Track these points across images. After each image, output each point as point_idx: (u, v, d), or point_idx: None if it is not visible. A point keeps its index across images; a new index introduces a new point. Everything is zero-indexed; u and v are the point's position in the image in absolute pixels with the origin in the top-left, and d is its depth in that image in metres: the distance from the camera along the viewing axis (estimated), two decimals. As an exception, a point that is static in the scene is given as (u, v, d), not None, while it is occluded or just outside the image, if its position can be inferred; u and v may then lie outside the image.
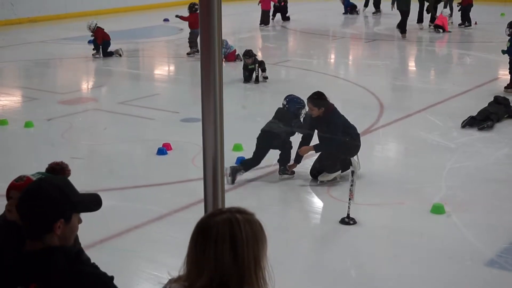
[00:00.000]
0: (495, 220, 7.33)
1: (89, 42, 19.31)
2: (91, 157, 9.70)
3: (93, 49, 17.32)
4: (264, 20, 23.09)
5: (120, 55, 17.35)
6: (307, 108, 8.63)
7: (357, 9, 26.30)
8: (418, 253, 6.58)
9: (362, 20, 25.45)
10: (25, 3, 23.67)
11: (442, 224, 7.22)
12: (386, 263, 6.44)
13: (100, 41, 17.22)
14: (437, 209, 7.42)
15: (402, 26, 20.23)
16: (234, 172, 8.47)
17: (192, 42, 17.40)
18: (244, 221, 2.42)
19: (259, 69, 14.16)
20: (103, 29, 17.41)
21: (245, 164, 8.58)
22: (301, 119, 8.74)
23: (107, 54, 17.27)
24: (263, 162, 8.68)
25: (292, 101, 8.85)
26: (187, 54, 17.45)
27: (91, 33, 17.46)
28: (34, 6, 23.84)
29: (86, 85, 15.31)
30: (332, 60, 18.74)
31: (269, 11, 23.10)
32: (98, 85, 15.14)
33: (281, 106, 8.85)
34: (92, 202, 2.91)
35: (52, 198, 2.72)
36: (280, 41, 21.88)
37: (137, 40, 20.69)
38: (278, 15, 24.49)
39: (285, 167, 8.62)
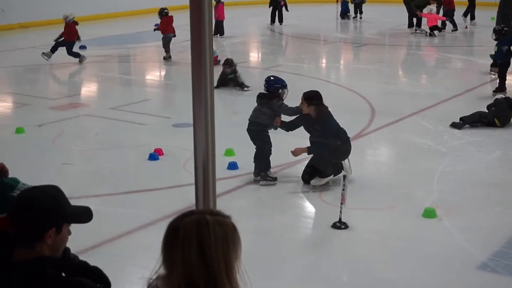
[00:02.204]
0: (486, 224, 7.35)
1: (80, 47, 19.28)
2: (83, 163, 9.67)
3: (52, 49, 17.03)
4: (219, 31, 21.89)
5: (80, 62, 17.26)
6: (287, 90, 8.69)
7: (348, 15, 26.38)
8: (410, 257, 6.59)
9: (353, 25, 25.52)
10: (16, 9, 23.61)
11: (433, 228, 7.23)
12: (378, 268, 6.45)
13: (67, 37, 16.93)
14: (429, 213, 7.43)
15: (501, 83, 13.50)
16: (265, 177, 8.52)
17: (166, 47, 17.50)
18: (214, 223, 2.39)
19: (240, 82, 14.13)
20: (76, 25, 17.22)
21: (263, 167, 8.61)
22: (283, 100, 8.70)
23: (73, 54, 17.05)
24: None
25: (270, 81, 8.82)
26: (164, 58, 17.56)
27: (65, 24, 17.15)
28: (25, 12, 23.77)
29: (77, 91, 15.27)
30: (323, 65, 18.77)
31: (223, 21, 21.98)
32: (89, 90, 15.12)
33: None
34: (83, 214, 2.91)
35: (45, 207, 2.72)
36: (271, 46, 21.91)
37: (128, 46, 20.68)
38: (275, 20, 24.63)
39: (266, 173, 8.60)
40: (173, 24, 17.62)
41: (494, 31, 13.38)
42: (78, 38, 17.22)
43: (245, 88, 13.96)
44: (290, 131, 8.84)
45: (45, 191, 2.80)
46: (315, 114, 8.37)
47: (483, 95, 12.71)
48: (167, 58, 17.47)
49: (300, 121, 8.60)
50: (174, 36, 17.55)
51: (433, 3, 21.69)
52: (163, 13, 17.57)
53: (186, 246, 2.35)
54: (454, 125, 10.82)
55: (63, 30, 17.14)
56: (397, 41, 21.51)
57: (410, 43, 21.08)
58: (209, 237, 2.35)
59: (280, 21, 24.53)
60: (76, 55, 17.07)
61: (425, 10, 21.81)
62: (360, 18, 25.88)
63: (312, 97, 8.40)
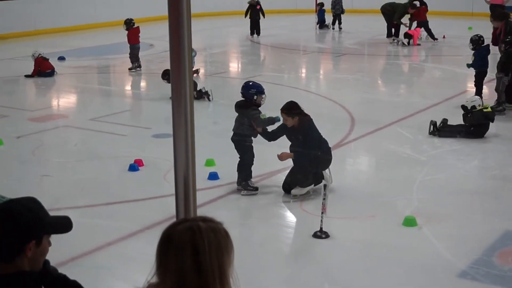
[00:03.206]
0: (466, 232, 7.39)
1: (59, 58, 19.22)
2: (62, 174, 9.61)
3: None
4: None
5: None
6: (265, 96, 8.63)
7: (326, 24, 26.39)
8: (391, 266, 6.61)
9: (332, 35, 25.61)
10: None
11: (414, 237, 7.26)
12: (359, 277, 6.46)
13: (35, 73, 16.72)
14: (409, 222, 7.46)
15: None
16: (245, 186, 8.51)
17: (132, 57, 17.60)
18: (208, 229, 2.40)
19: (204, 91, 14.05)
20: (47, 60, 17.05)
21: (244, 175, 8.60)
22: (261, 106, 8.64)
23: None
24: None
25: (246, 87, 8.73)
26: (129, 69, 17.63)
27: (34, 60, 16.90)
28: (3, 23, 23.63)
29: (56, 102, 15.21)
30: (303, 75, 18.82)
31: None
32: (68, 101, 15.05)
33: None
34: (63, 225, 2.87)
35: (23, 220, 2.69)
36: (251, 56, 21.94)
37: (107, 56, 20.61)
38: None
39: (247, 183, 8.59)
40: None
41: (471, 41, 13.50)
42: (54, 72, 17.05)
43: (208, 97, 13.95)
44: (272, 141, 8.83)
45: (22, 204, 2.77)
46: (297, 124, 8.37)
47: (461, 104, 12.78)
48: (134, 68, 17.61)
49: (282, 130, 8.60)
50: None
51: (412, 11, 21.85)
52: (131, 24, 17.69)
53: (180, 253, 2.36)
54: (433, 125, 10.93)
55: (36, 66, 16.84)
56: (376, 51, 21.62)
57: (389, 52, 21.19)
58: (203, 244, 2.36)
59: (258, 32, 24.39)
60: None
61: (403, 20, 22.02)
62: (340, 28, 25.83)
63: (292, 108, 8.40)
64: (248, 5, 24.49)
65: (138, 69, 17.59)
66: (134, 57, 17.58)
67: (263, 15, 24.36)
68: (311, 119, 8.46)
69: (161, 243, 2.43)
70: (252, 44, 23.51)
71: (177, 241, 2.38)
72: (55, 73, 17.00)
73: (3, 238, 2.68)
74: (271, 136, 8.76)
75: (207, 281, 2.35)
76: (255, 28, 24.32)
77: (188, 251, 2.35)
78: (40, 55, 16.93)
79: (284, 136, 8.66)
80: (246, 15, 24.43)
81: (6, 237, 2.68)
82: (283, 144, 8.72)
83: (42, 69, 16.78)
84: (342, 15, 25.88)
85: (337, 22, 25.97)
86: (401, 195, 8.50)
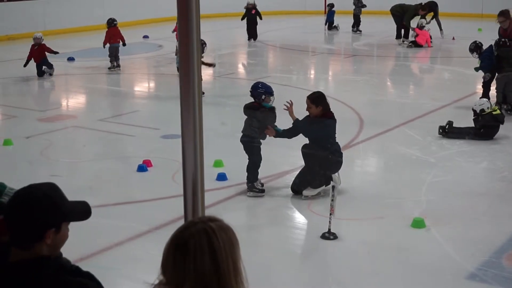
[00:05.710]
0: (474, 234, 7.36)
1: (69, 59, 19.27)
2: (71, 175, 9.63)
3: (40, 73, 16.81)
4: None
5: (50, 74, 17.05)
6: (273, 98, 8.59)
7: (335, 25, 26.18)
8: (399, 268, 6.60)
9: (341, 36, 25.57)
10: (2, 21, 23.54)
11: (422, 238, 7.24)
12: (367, 278, 6.45)
13: (30, 58, 16.65)
14: (417, 223, 7.45)
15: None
16: (251, 188, 8.50)
17: (111, 56, 17.76)
18: (219, 229, 2.45)
19: None
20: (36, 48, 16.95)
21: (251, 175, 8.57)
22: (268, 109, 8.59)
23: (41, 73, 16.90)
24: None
25: (255, 87, 8.70)
26: (108, 68, 17.78)
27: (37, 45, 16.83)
28: (12, 24, 23.71)
29: (65, 103, 15.25)
30: (311, 76, 18.81)
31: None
32: (77, 102, 15.09)
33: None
34: (82, 212, 2.87)
35: (42, 207, 2.66)
36: (259, 57, 21.93)
37: (116, 57, 20.63)
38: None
39: (253, 184, 8.57)
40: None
41: (471, 50, 13.50)
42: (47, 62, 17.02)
43: None
44: (293, 137, 8.68)
45: (42, 190, 2.75)
46: (321, 114, 8.33)
47: (470, 105, 12.75)
48: (112, 68, 17.75)
49: (302, 124, 8.45)
50: (124, 45, 18.00)
51: (422, 13, 21.79)
52: (112, 24, 17.81)
53: (199, 257, 2.39)
54: (441, 128, 10.95)
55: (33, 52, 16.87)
56: (385, 52, 21.60)
57: (398, 54, 21.16)
58: (218, 244, 2.41)
59: (254, 37, 23.57)
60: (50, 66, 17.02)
61: (413, 23, 21.89)
62: (360, 31, 25.23)
63: (319, 96, 8.42)
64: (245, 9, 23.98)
65: (117, 68, 17.75)
66: (112, 57, 17.73)
67: (260, 17, 23.54)
68: (335, 120, 8.43)
69: (176, 249, 2.44)
70: (260, 45, 23.47)
71: (193, 245, 2.40)
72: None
73: (23, 225, 2.66)
74: (289, 134, 8.64)
75: (224, 280, 2.40)
76: (251, 32, 23.58)
77: (207, 254, 2.39)
78: (42, 41, 16.77)
79: (294, 138, 8.64)
80: (242, 19, 23.74)
81: (26, 224, 2.65)
82: (294, 145, 8.71)
83: (36, 59, 16.61)
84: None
85: (356, 24, 25.36)
86: (409, 196, 8.48)
